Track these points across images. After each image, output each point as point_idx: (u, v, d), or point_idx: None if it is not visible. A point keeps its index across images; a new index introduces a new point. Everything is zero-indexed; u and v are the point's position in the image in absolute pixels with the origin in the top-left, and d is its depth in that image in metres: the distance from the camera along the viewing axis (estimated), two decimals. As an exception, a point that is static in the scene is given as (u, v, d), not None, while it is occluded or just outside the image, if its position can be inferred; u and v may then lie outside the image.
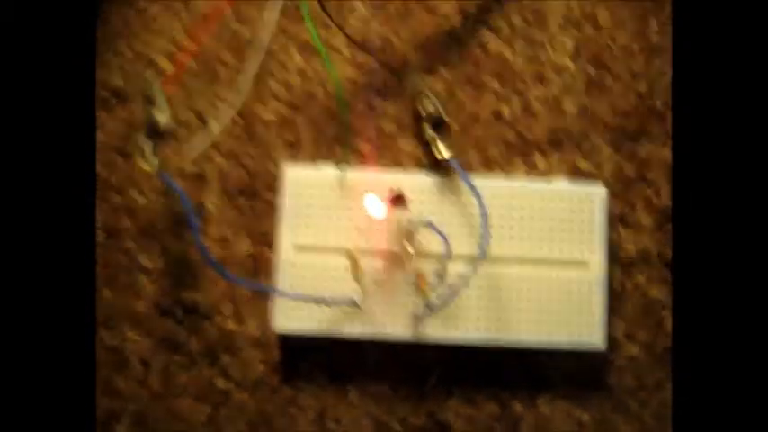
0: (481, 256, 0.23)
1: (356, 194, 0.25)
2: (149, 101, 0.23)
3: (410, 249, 0.24)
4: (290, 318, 0.24)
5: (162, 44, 0.27)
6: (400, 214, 0.25)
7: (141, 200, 0.26)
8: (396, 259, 0.25)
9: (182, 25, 0.27)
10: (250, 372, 0.26)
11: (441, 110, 0.24)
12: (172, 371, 0.26)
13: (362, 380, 0.26)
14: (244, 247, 0.26)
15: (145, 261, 0.26)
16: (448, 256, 0.23)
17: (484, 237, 0.24)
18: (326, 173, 0.25)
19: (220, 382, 0.26)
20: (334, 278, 0.25)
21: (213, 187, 0.26)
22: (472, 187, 0.24)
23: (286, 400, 0.26)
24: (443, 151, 0.24)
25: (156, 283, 0.26)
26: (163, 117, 0.22)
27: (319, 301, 0.24)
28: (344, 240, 0.25)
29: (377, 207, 0.25)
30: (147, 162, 0.23)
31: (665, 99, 0.27)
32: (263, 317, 0.26)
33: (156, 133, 0.23)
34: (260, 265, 0.26)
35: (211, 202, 0.26)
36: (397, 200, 0.25)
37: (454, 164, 0.24)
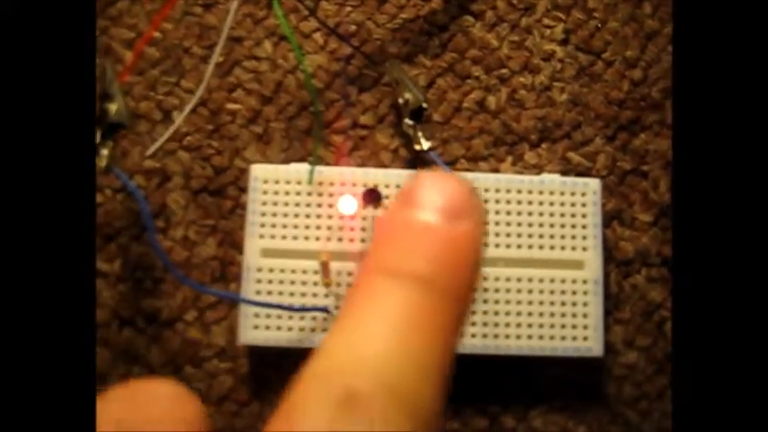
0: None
1: (329, 193, 0.23)
2: (104, 91, 0.21)
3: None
4: (257, 328, 0.22)
5: (122, 32, 0.25)
6: (375, 212, 0.23)
7: (97, 197, 0.24)
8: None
9: (144, 12, 0.25)
10: (216, 385, 0.24)
11: (420, 97, 0.22)
12: (131, 385, 0.24)
13: (338, 393, 0.24)
14: (209, 249, 0.24)
15: (102, 264, 0.24)
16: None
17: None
18: (296, 170, 0.23)
19: (184, 397, 0.24)
20: (306, 284, 0.23)
21: (176, 184, 0.24)
22: (454, 180, 0.22)
23: (255, 416, 0.24)
24: (423, 142, 0.23)
25: (114, 288, 0.24)
26: (114, 107, 0.20)
27: (288, 309, 0.22)
28: (316, 243, 0.23)
29: (350, 205, 0.23)
30: (97, 156, 0.21)
31: (660, 86, 0.25)
32: (231, 325, 0.24)
33: (108, 125, 0.21)
34: (227, 269, 0.24)
35: (174, 200, 0.24)
36: (372, 196, 0.23)
37: (434, 156, 0.22)
